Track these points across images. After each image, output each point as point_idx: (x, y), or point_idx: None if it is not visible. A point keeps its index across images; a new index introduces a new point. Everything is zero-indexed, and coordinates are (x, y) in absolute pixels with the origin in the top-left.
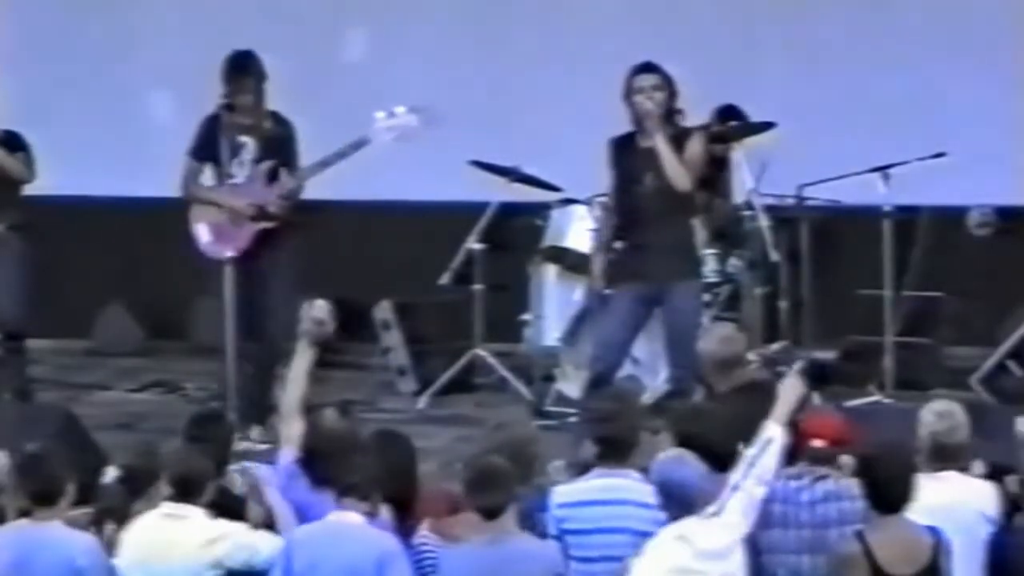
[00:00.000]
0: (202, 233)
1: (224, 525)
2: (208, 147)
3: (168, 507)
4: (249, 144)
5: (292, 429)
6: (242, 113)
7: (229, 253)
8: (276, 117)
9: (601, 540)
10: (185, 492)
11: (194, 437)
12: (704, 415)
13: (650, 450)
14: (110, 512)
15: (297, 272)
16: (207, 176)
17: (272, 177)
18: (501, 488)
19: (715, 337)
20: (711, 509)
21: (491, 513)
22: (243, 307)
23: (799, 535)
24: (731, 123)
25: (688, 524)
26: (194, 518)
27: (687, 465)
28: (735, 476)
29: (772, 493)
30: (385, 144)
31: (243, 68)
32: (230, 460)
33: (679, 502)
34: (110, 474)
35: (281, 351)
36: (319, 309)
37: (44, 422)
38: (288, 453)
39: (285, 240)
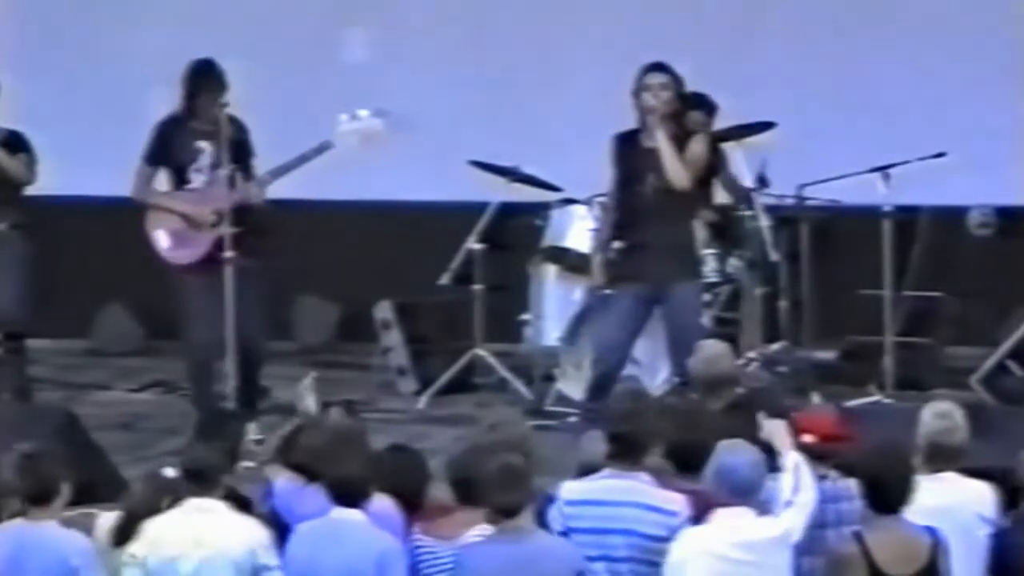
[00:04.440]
0: (161, 240)
1: (254, 525)
2: (164, 152)
3: (195, 503)
4: (207, 149)
5: (274, 473)
6: (203, 119)
7: (189, 260)
8: (233, 121)
9: (605, 540)
10: (199, 485)
11: (206, 435)
12: (697, 422)
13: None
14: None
15: (267, 274)
16: (162, 181)
17: (232, 182)
18: (520, 486)
19: (703, 357)
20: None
21: (510, 511)
22: (209, 313)
23: None
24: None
25: (735, 514)
26: (222, 512)
27: (739, 452)
28: (785, 495)
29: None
30: (349, 148)
31: (210, 76)
32: (240, 459)
33: (731, 488)
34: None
35: (262, 352)
36: (308, 394)
37: (44, 422)
38: (281, 477)
39: (251, 244)
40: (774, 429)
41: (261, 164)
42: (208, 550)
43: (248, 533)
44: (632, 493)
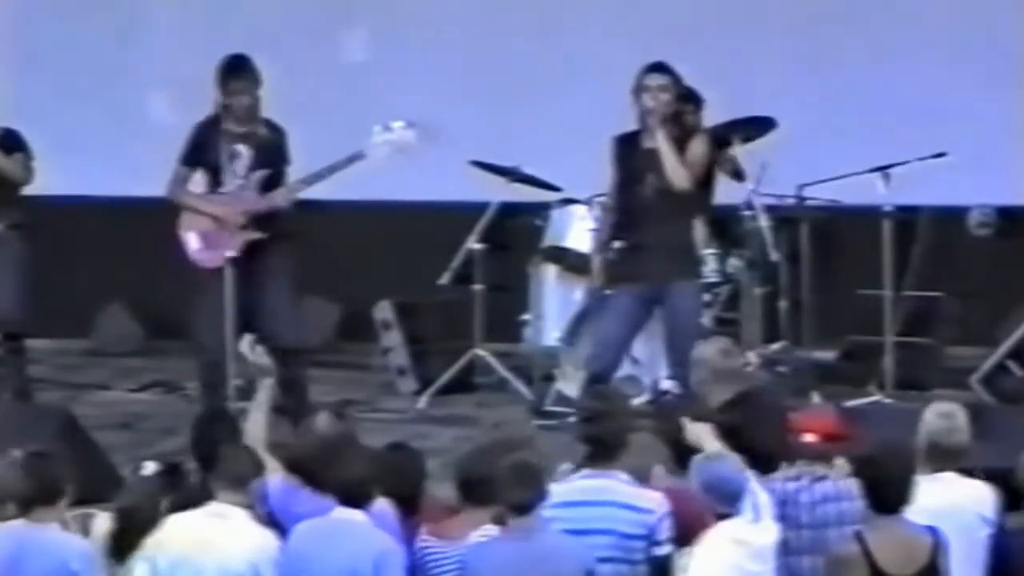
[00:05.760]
0: (192, 241)
1: (267, 536)
2: (201, 154)
3: (214, 507)
4: (244, 153)
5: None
6: (237, 119)
7: (218, 262)
8: (269, 124)
9: (586, 541)
10: (235, 490)
11: (208, 435)
12: (698, 418)
13: (640, 451)
14: (137, 509)
15: (294, 276)
16: (198, 182)
17: (266, 187)
18: (534, 483)
19: (714, 349)
20: (749, 515)
21: (524, 509)
22: (235, 314)
23: (798, 536)
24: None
25: (740, 525)
26: (238, 519)
27: (723, 460)
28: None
29: (771, 494)
30: (380, 159)
31: (240, 70)
32: None
33: (723, 496)
34: (149, 468)
35: (297, 351)
36: (256, 353)
37: (44, 422)
38: (275, 477)
39: (278, 247)
40: (699, 432)
41: None
42: (211, 558)
43: (256, 545)
44: (607, 492)
